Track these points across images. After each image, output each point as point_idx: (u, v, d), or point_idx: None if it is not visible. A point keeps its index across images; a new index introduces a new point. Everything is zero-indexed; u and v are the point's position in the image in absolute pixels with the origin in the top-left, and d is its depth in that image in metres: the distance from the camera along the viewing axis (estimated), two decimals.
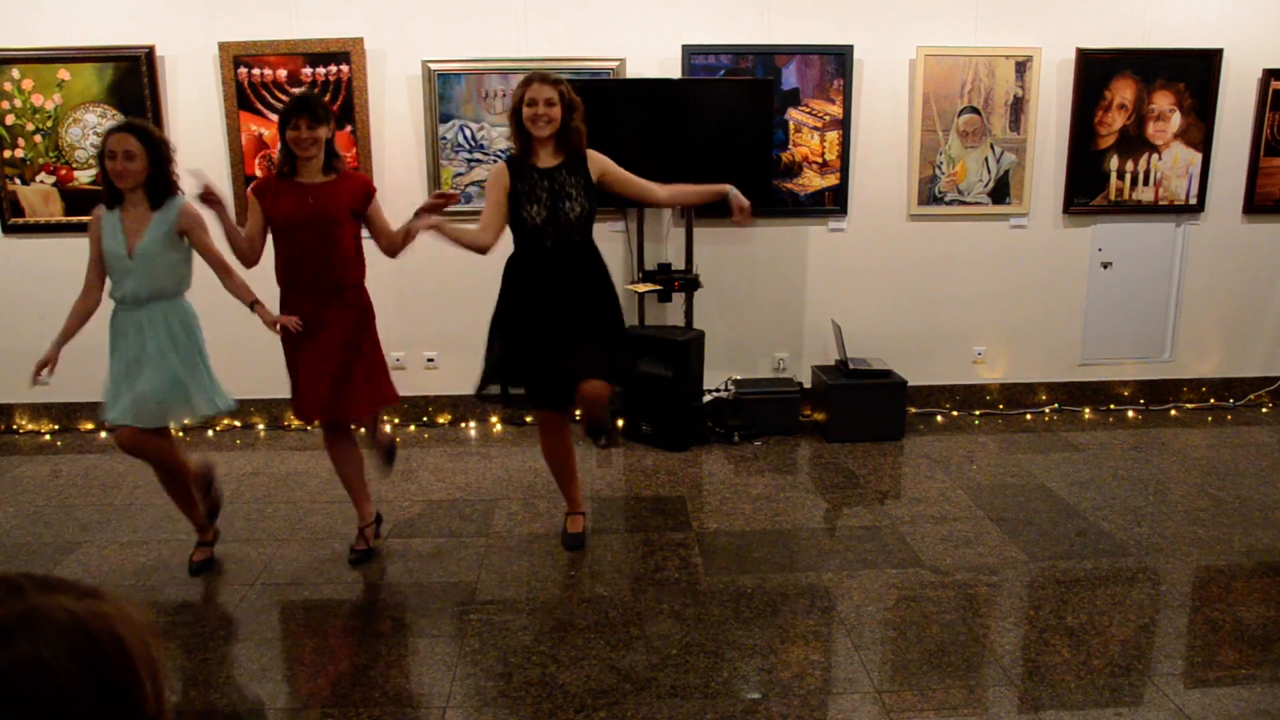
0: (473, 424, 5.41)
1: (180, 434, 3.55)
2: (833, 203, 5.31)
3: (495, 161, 5.17)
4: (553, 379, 3.55)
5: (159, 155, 3.34)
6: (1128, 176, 5.40)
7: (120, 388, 3.42)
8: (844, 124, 5.21)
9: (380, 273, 4.92)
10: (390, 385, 3.74)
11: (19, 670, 0.69)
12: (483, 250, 3.46)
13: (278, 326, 3.44)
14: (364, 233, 3.60)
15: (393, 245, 3.58)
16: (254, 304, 3.42)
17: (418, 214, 3.35)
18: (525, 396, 3.67)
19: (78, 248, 5.07)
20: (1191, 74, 5.27)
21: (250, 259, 3.52)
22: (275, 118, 5.02)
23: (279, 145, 3.50)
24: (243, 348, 4.42)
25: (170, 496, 3.64)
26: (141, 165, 3.31)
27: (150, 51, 4.95)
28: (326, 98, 5.02)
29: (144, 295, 3.38)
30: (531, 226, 3.46)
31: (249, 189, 3.51)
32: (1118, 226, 5.50)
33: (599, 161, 3.55)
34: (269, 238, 3.53)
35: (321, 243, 3.46)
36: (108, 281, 3.44)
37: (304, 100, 3.45)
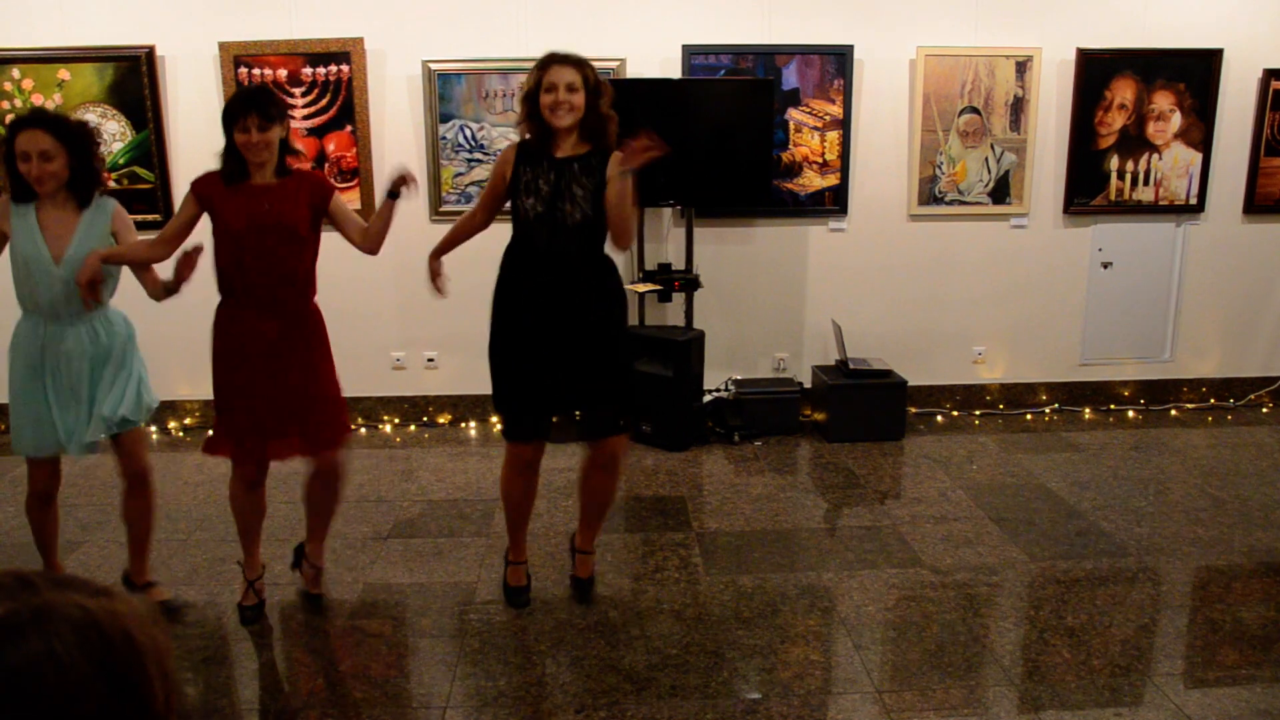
0: (473, 424, 5.41)
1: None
2: (833, 203, 5.31)
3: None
4: (530, 404, 3.16)
5: (81, 149, 2.89)
6: (1128, 176, 5.40)
7: (55, 413, 2.99)
8: (844, 124, 5.21)
9: (380, 273, 4.95)
10: (345, 417, 3.28)
11: (32, 665, 0.69)
12: (473, 231, 3.23)
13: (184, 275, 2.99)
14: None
15: (370, 237, 3.16)
16: (171, 287, 3.06)
17: (391, 194, 3.07)
18: (508, 420, 3.24)
19: None
20: (1192, 74, 5.27)
21: (158, 257, 3.07)
22: None
23: (223, 146, 2.99)
24: None
25: (131, 519, 3.28)
26: (61, 164, 2.86)
27: (150, 51, 4.95)
28: (326, 98, 5.03)
29: (71, 307, 2.96)
30: (524, 219, 3.05)
31: (191, 185, 3.02)
32: (1118, 226, 5.50)
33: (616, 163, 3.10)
34: (206, 243, 3.06)
35: (281, 251, 3.00)
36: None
37: (252, 96, 2.95)
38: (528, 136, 3.10)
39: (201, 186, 3.01)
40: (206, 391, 3.25)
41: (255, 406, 3.06)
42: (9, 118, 4.98)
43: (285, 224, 2.99)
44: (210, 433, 3.20)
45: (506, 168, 3.09)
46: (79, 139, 2.91)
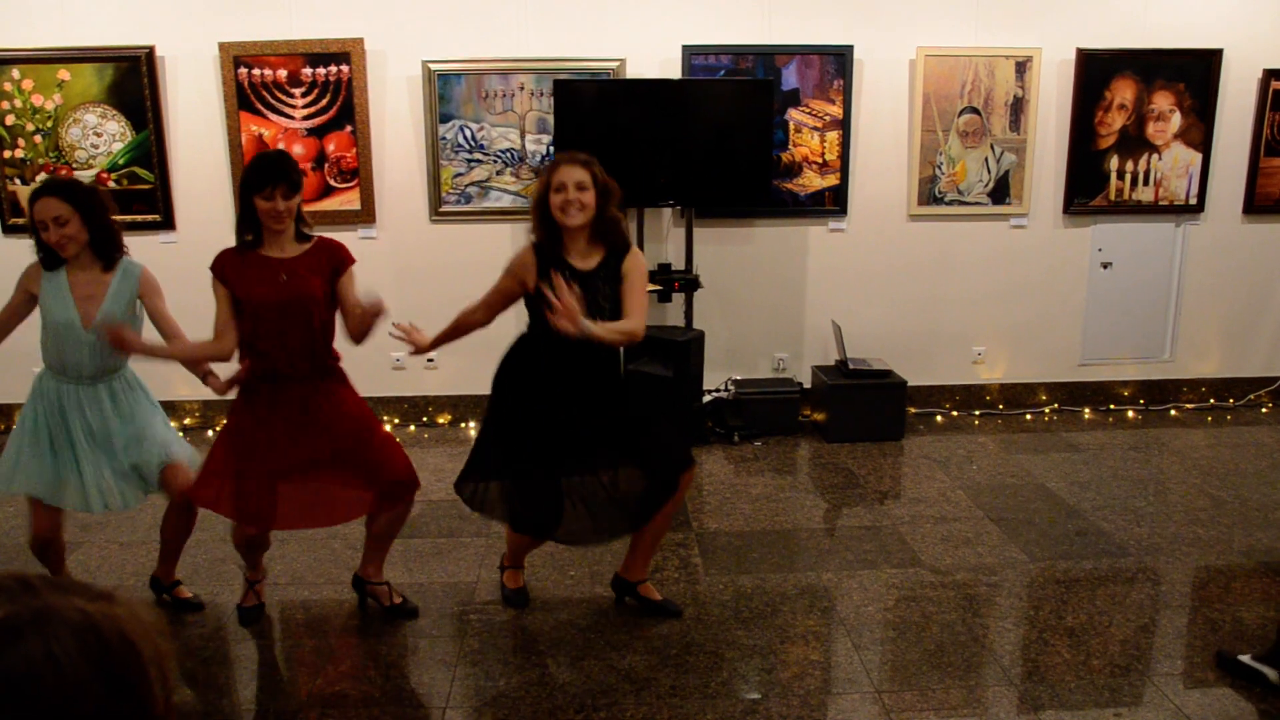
0: (472, 424, 5.41)
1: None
2: (833, 203, 5.31)
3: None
4: (545, 488, 3.09)
5: (93, 211, 2.97)
6: (1128, 177, 5.40)
7: (80, 471, 3.03)
8: (844, 124, 5.21)
9: (380, 274, 4.94)
10: (403, 459, 3.19)
11: (31, 667, 0.70)
12: (473, 329, 3.18)
13: (230, 388, 3.02)
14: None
15: (360, 327, 3.00)
16: (207, 375, 3.09)
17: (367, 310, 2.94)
18: (510, 507, 3.16)
19: None
20: (1191, 74, 5.28)
21: (226, 354, 2.99)
22: (275, 118, 5.04)
23: (238, 212, 2.99)
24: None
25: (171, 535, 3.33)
26: (77, 226, 2.94)
27: (150, 52, 4.95)
28: (326, 99, 5.03)
29: (96, 370, 3.05)
30: (553, 332, 2.83)
31: (210, 269, 2.98)
32: (1118, 227, 5.50)
33: (634, 263, 3.04)
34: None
35: (297, 326, 2.94)
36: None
37: (279, 165, 2.93)
38: (535, 240, 3.05)
39: (218, 267, 2.98)
40: (206, 392, 3.25)
41: (272, 473, 2.99)
42: (8, 118, 4.99)
43: (303, 297, 2.94)
44: (199, 477, 3.09)
45: (529, 275, 3.00)
46: (89, 201, 2.98)
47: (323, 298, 2.99)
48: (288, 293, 2.92)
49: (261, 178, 2.88)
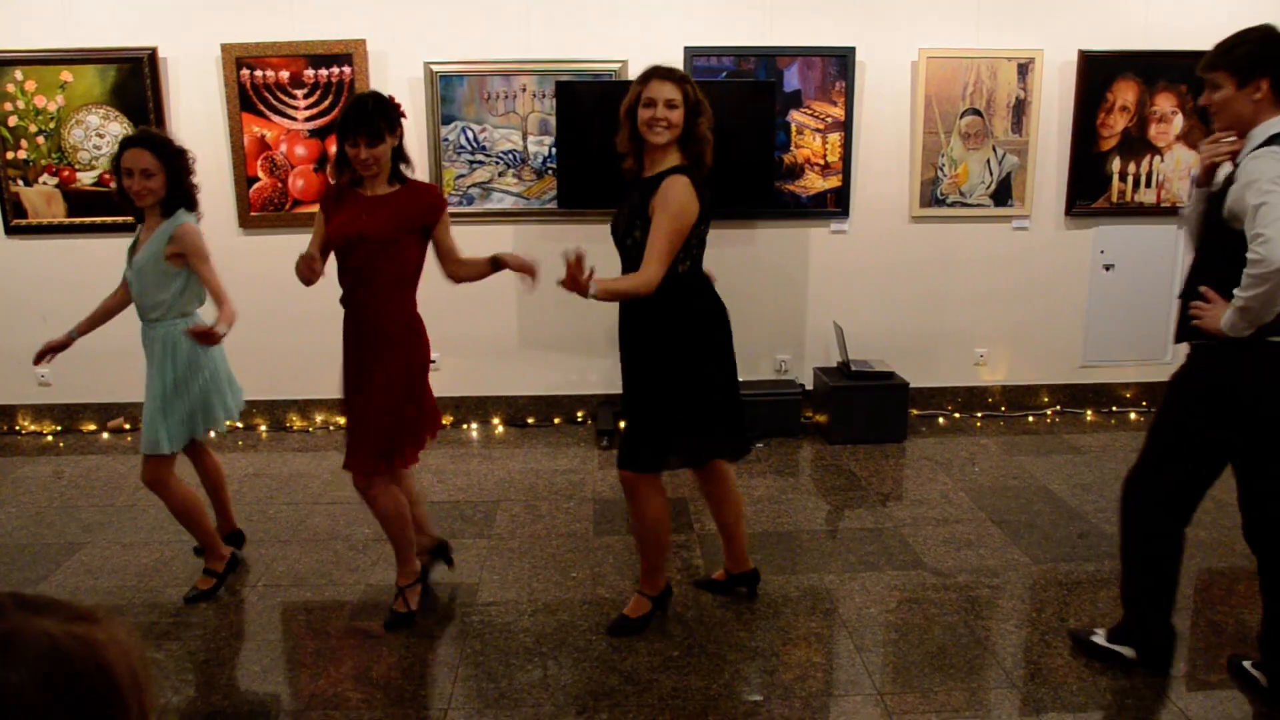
0: (474, 425, 5.41)
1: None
2: (835, 205, 5.31)
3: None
4: (733, 421, 3.16)
5: (177, 168, 3.12)
6: (1130, 179, 5.40)
7: (170, 406, 3.26)
8: (846, 126, 5.21)
9: None
10: (361, 449, 3.13)
11: None
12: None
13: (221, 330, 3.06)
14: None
15: (463, 272, 3.17)
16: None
17: (495, 264, 3.10)
18: (705, 445, 3.13)
19: (81, 249, 5.14)
20: (1193, 76, 5.24)
21: (310, 278, 3.01)
22: (277, 119, 5.04)
23: (335, 151, 3.08)
24: (244, 349, 4.42)
25: (211, 509, 3.62)
26: (160, 182, 3.10)
27: (153, 53, 4.96)
28: (328, 100, 5.03)
29: (144, 308, 3.24)
30: (699, 259, 2.95)
31: (319, 199, 3.11)
32: (1120, 228, 5.50)
33: (660, 197, 2.89)
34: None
35: (363, 263, 3.02)
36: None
37: (363, 113, 2.93)
38: (628, 165, 2.99)
39: (323, 201, 3.15)
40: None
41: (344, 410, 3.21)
42: (11, 119, 5.00)
43: (369, 236, 2.98)
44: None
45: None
46: (177, 160, 3.13)
47: (402, 239, 3.03)
48: (353, 229, 2.99)
49: (344, 126, 2.95)
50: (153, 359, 3.26)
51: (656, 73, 2.86)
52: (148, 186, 3.08)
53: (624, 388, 3.12)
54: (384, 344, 3.07)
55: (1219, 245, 2.57)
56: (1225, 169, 2.65)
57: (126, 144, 3.10)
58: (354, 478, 3.15)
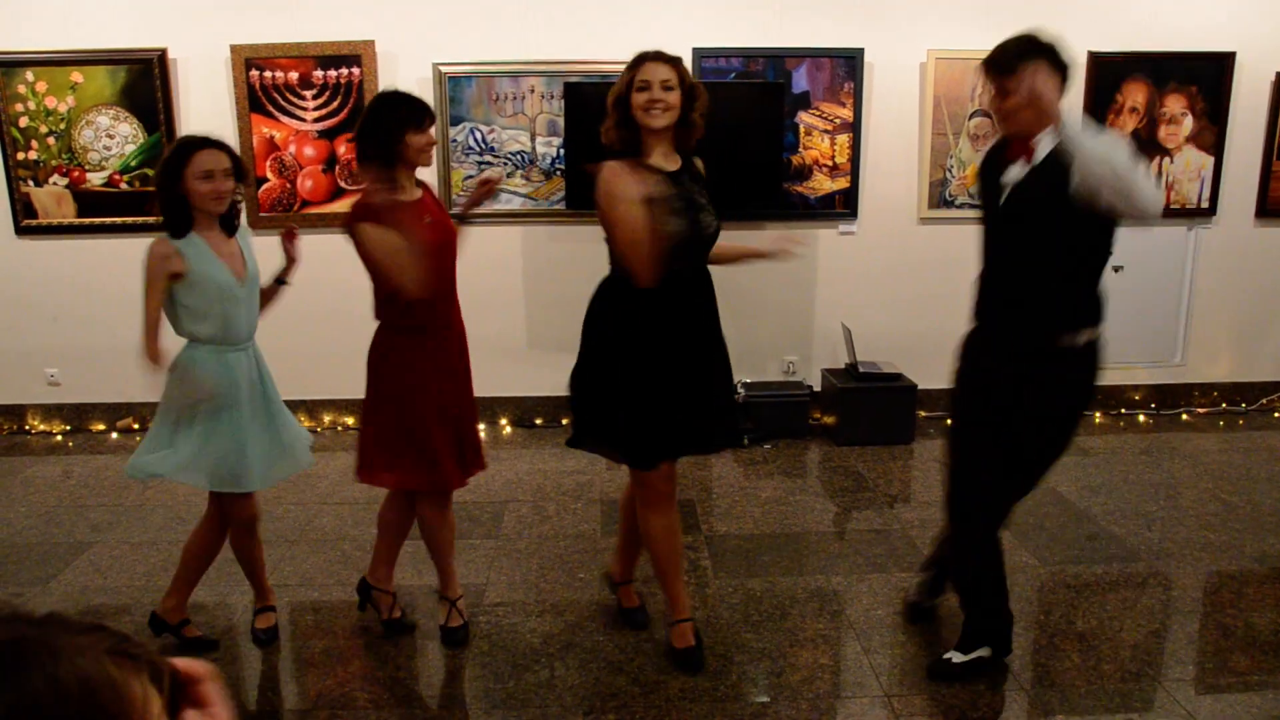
0: (481, 426, 5.40)
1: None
2: (843, 206, 5.30)
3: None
4: (699, 419, 2.92)
5: (241, 176, 2.88)
6: None
7: (264, 442, 2.99)
8: (854, 127, 5.20)
9: None
10: (373, 459, 3.07)
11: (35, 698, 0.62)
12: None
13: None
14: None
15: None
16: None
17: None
18: (670, 444, 2.95)
19: (90, 250, 5.16)
20: (1204, 77, 5.25)
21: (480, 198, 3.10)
22: (286, 120, 5.05)
23: (383, 150, 2.85)
24: None
25: (251, 556, 3.22)
26: (233, 186, 2.84)
27: (162, 54, 4.97)
28: (337, 101, 5.04)
29: (249, 329, 2.95)
30: (672, 246, 2.72)
31: (376, 215, 2.81)
32: (1129, 230, 5.46)
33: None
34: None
35: (452, 268, 2.98)
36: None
37: (421, 100, 2.92)
38: (616, 148, 2.78)
39: (383, 214, 2.83)
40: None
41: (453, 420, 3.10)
42: (22, 120, 5.02)
43: (452, 238, 2.98)
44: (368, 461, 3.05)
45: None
46: (241, 165, 2.89)
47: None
48: (444, 234, 2.93)
49: (411, 114, 2.86)
50: (246, 381, 2.95)
51: (648, 56, 2.73)
52: (226, 189, 2.80)
53: (717, 374, 3.00)
54: (466, 348, 3.11)
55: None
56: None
57: (200, 145, 2.77)
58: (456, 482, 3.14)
